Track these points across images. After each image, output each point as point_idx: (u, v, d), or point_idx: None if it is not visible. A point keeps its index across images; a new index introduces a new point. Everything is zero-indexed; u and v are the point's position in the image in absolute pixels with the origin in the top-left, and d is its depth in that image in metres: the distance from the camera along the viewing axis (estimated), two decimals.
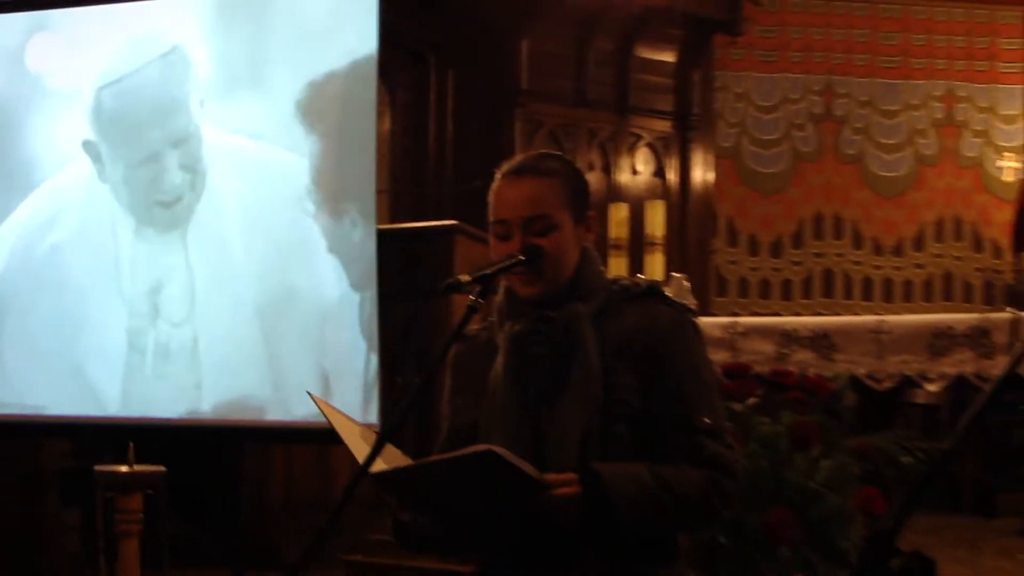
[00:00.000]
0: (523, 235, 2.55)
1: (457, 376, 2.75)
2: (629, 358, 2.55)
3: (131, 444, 5.23)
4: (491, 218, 2.61)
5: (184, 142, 5.41)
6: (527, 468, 2.36)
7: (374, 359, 5.11)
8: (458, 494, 2.44)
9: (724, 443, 2.57)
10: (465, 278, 2.53)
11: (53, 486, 6.54)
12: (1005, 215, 11.02)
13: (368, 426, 2.73)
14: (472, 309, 2.50)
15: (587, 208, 2.66)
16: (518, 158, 2.66)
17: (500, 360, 2.60)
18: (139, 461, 5.17)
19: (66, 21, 5.70)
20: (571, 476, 2.41)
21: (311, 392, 2.95)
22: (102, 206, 5.52)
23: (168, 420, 5.41)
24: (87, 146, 5.52)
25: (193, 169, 5.41)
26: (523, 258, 2.53)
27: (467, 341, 2.71)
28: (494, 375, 2.60)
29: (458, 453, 2.38)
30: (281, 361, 5.28)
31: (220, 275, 5.37)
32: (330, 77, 5.26)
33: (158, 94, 5.48)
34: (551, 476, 2.40)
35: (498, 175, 2.63)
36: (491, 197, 2.62)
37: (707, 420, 2.55)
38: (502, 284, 2.64)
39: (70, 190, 5.59)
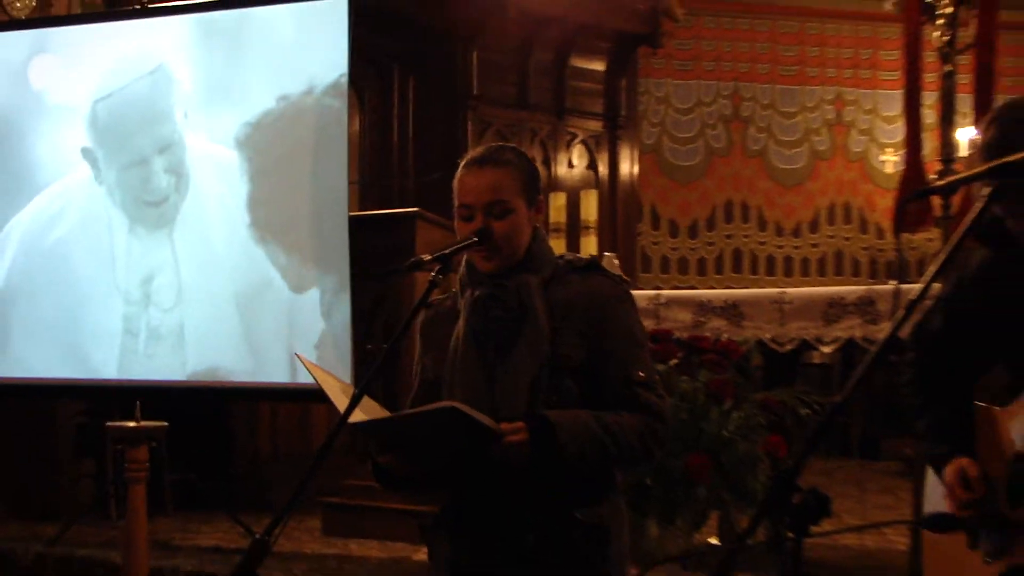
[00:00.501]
0: (484, 218, 2.56)
1: (425, 338, 2.75)
2: (573, 320, 2.58)
3: (138, 402, 5.24)
4: (456, 202, 2.61)
5: (168, 148, 5.37)
6: (483, 419, 2.38)
7: (331, 338, 5.10)
8: (426, 441, 2.47)
9: (656, 393, 2.59)
10: (426, 257, 2.54)
11: (68, 440, 6.51)
12: (887, 202, 11.19)
13: (347, 384, 2.74)
14: (433, 284, 2.51)
15: (538, 194, 2.67)
16: (479, 150, 2.64)
17: (462, 322, 2.62)
18: (143, 419, 5.16)
19: (64, 43, 5.64)
20: (520, 425, 2.43)
21: (298, 354, 2.96)
22: (99, 206, 5.48)
23: (170, 382, 5.38)
24: (85, 153, 5.49)
25: (178, 173, 5.37)
26: (476, 239, 2.54)
27: (433, 308, 2.73)
28: (457, 335, 2.62)
29: (425, 408, 2.41)
30: (256, 341, 5.27)
31: (204, 268, 5.34)
32: (301, 96, 5.21)
33: (146, 106, 5.44)
34: (504, 425, 2.42)
35: (462, 164, 2.63)
36: (456, 184, 2.61)
37: (641, 374, 2.58)
38: (464, 259, 2.65)
39: (71, 191, 5.55)
